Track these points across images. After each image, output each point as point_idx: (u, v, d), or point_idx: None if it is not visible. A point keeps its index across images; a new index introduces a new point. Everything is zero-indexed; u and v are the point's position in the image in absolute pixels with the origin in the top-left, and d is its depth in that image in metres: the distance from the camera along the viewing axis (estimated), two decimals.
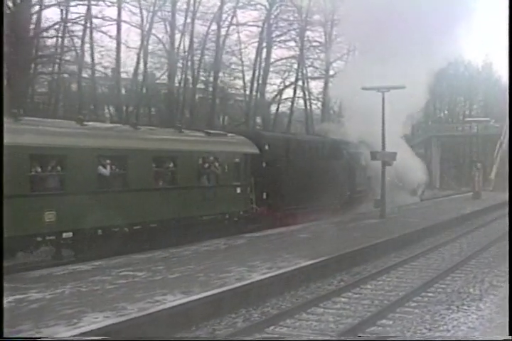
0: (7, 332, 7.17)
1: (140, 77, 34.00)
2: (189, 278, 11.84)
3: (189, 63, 34.97)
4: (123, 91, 34.43)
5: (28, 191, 12.79)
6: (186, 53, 34.75)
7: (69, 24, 30.61)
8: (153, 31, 33.93)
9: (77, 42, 32.17)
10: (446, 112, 74.48)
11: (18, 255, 13.79)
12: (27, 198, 12.77)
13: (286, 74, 41.00)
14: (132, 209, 15.00)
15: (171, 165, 16.54)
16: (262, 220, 20.12)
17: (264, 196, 20.41)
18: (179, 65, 34.86)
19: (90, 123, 15.75)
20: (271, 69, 40.62)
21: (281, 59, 40.68)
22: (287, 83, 41.76)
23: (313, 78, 42.32)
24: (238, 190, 18.72)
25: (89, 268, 13.00)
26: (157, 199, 15.80)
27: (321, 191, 22.01)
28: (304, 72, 42.81)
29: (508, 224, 16.22)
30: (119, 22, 31.70)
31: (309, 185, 22.10)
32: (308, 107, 44.85)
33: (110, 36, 30.98)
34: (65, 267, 13.10)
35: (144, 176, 15.56)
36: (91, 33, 31.32)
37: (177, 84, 35.22)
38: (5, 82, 20.28)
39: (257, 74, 38.55)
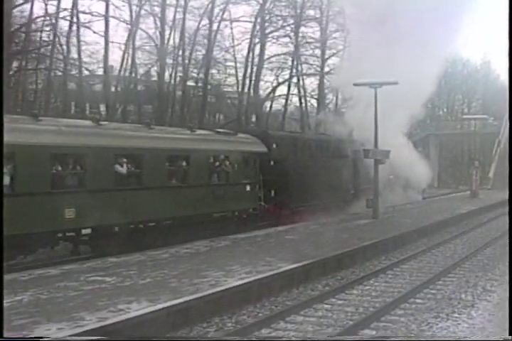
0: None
1: (128, 74, 33.12)
2: (160, 284, 11.07)
3: (180, 59, 34.07)
4: (112, 88, 33.59)
5: (49, 189, 13.15)
6: (177, 49, 33.82)
7: (54, 19, 29.71)
8: (143, 27, 33.18)
9: (65, 38, 31.36)
10: (445, 110, 73.76)
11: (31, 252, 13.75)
12: (48, 196, 13.13)
13: (280, 71, 40.06)
14: (147, 207, 15.38)
15: (184, 163, 16.87)
16: (270, 217, 20.50)
17: (272, 194, 20.84)
18: (170, 61, 34.03)
19: (106, 123, 16.20)
20: (265, 65, 39.78)
21: (275, 55, 39.76)
22: (281, 80, 40.84)
23: (308, 75, 41.40)
24: (248, 188, 19.11)
25: (57, 273, 12.23)
26: (170, 196, 16.21)
27: (327, 189, 22.46)
28: (299, 68, 42.00)
29: (508, 224, 15.32)
30: (106, 17, 30.85)
31: (315, 182, 22.38)
32: (304, 105, 44.03)
33: (94, 32, 30.09)
34: (32, 271, 12.33)
35: (158, 174, 15.95)
36: (78, 28, 30.47)
37: (167, 81, 34.33)
38: None
39: (249, 70, 37.68)
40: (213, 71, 37.02)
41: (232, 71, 38.46)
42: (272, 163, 20.72)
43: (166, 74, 33.82)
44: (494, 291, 12.51)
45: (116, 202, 14.52)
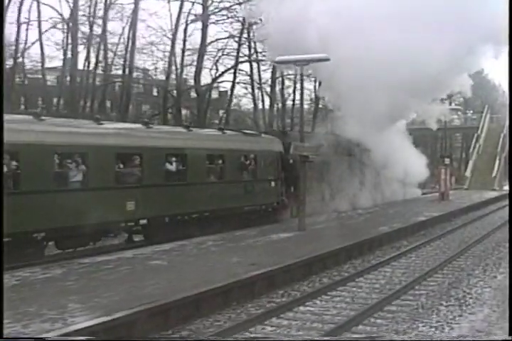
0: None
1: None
2: None
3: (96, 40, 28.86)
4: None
5: (114, 184, 14.61)
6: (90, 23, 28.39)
7: None
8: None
9: None
10: None
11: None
12: (114, 190, 14.60)
13: (220, 54, 34.55)
14: (191, 200, 16.81)
15: (220, 162, 18.39)
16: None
17: (292, 189, 21.90)
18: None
19: (155, 126, 18.39)
20: (209, 51, 34.65)
21: (217, 40, 34.22)
22: (227, 68, 35.34)
23: (259, 61, 35.96)
24: (272, 184, 20.60)
25: None
26: (210, 191, 17.61)
27: (338, 184, 24.51)
28: (254, 54, 36.75)
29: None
30: None
31: (328, 179, 24.07)
32: (261, 97, 39.09)
33: None
34: None
35: (200, 172, 17.48)
36: None
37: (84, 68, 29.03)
38: None
39: (181, 56, 32.41)
40: (139, 57, 31.96)
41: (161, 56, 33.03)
42: (291, 161, 21.79)
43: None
44: None
45: (167, 196, 16.02)
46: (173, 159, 16.55)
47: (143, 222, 15.25)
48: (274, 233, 17.07)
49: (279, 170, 21.03)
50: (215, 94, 54.39)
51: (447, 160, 31.06)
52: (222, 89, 46.70)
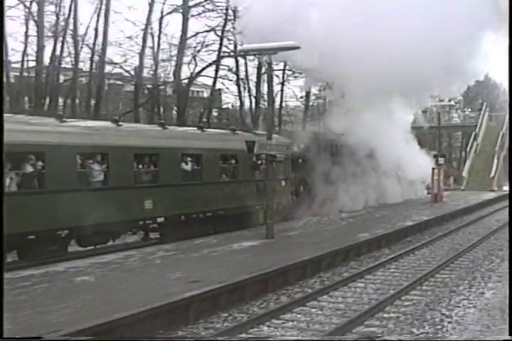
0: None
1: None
2: None
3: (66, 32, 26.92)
4: None
5: (133, 183, 15.08)
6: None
7: None
8: None
9: None
10: None
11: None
12: (133, 189, 15.02)
13: (200, 47, 32.49)
14: (206, 199, 17.24)
15: (233, 161, 18.85)
16: (300, 209, 22.14)
17: (301, 189, 22.98)
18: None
19: (170, 127, 18.27)
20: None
21: (199, 33, 32.18)
22: (209, 63, 33.31)
23: (244, 55, 33.90)
24: (283, 183, 20.71)
25: None
26: (223, 190, 18.05)
27: (345, 184, 24.68)
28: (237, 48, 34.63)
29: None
30: None
31: (336, 178, 24.24)
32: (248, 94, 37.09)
33: None
34: None
35: (214, 171, 17.95)
36: None
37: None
38: None
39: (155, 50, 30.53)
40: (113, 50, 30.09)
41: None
42: (300, 161, 22.35)
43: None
44: None
45: (183, 195, 16.41)
46: (189, 159, 16.98)
47: (160, 220, 15.72)
48: (237, 241, 15.31)
49: (289, 170, 21.29)
50: (206, 93, 52.68)
51: (441, 160, 29.14)
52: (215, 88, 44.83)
